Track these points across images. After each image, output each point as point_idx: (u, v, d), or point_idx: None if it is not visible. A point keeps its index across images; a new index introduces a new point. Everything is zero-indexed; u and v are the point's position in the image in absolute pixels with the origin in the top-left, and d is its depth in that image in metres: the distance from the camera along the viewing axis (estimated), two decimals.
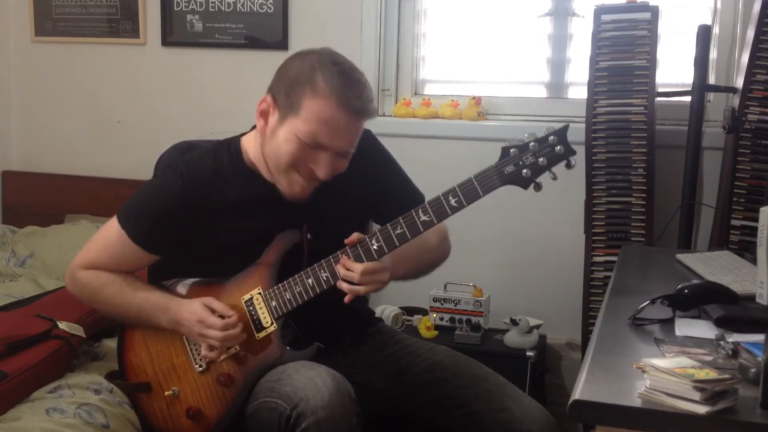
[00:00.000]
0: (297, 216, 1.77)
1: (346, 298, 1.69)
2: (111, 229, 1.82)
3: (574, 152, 1.61)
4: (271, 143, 1.72)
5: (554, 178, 1.62)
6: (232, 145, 1.84)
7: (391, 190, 1.91)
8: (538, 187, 1.61)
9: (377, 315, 2.23)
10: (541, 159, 1.60)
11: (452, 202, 1.63)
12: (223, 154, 1.82)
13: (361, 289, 1.68)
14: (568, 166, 1.61)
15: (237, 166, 1.81)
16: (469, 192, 1.63)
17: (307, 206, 1.77)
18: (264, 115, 1.73)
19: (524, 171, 1.60)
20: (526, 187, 1.61)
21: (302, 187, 1.74)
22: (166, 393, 1.82)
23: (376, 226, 1.76)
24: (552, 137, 1.60)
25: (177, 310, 1.77)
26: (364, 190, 1.87)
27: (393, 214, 1.69)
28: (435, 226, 1.74)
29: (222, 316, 1.73)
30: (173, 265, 1.88)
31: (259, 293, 1.77)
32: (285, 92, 1.69)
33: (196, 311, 1.74)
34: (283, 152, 1.70)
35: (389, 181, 1.92)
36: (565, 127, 1.62)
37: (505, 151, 1.62)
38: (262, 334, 1.76)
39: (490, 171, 1.63)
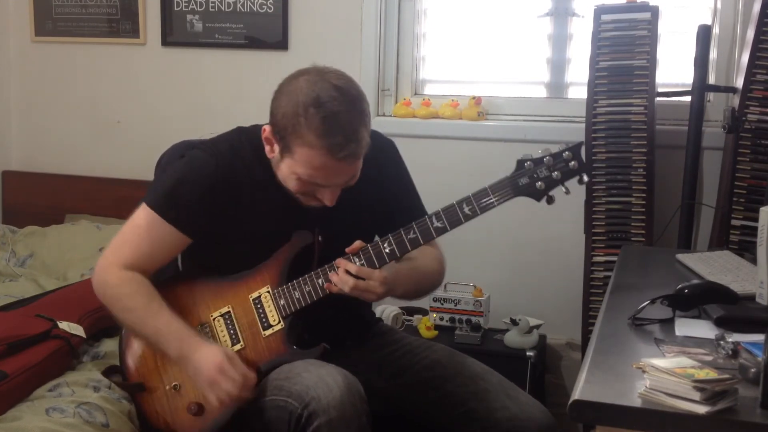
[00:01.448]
0: (311, 217, 1.78)
1: (327, 285, 1.71)
2: (140, 219, 1.77)
3: (587, 168, 1.66)
4: (279, 171, 1.74)
5: (567, 192, 1.67)
6: (253, 136, 1.81)
7: (399, 202, 1.91)
8: (550, 200, 1.66)
9: (377, 315, 2.23)
10: (555, 173, 1.64)
11: (466, 210, 1.67)
12: (245, 142, 1.81)
13: (347, 288, 1.67)
14: (581, 181, 1.66)
15: (259, 157, 1.79)
16: (483, 201, 1.66)
17: (322, 209, 1.76)
18: (267, 142, 1.74)
19: (538, 184, 1.65)
20: (539, 200, 1.66)
21: (314, 203, 1.75)
22: (167, 387, 1.82)
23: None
24: (566, 153, 1.65)
25: (193, 347, 1.72)
26: (376, 200, 1.87)
27: (400, 225, 1.71)
28: (434, 253, 1.84)
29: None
30: (184, 258, 1.90)
31: (268, 291, 1.77)
32: (278, 132, 1.68)
33: (215, 356, 1.68)
34: (289, 184, 1.73)
35: (399, 193, 1.93)
36: (580, 144, 1.67)
37: (519, 163, 1.66)
38: (269, 332, 1.76)
39: (505, 182, 1.66)
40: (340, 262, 1.71)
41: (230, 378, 1.66)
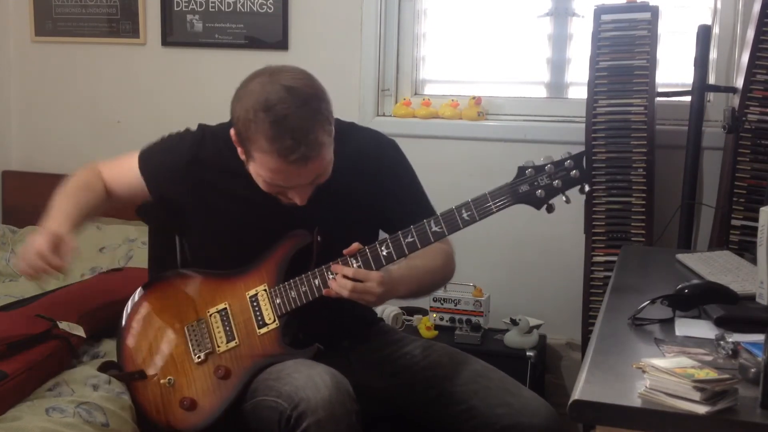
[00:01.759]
0: (308, 216, 1.77)
1: (326, 291, 1.71)
2: (131, 156, 1.95)
3: (589, 178, 1.66)
4: (251, 173, 1.73)
5: (567, 201, 1.66)
6: None
7: (400, 203, 1.89)
8: (550, 209, 1.65)
9: (378, 315, 2.23)
10: (556, 181, 1.64)
11: (465, 215, 1.66)
12: None
13: (345, 292, 1.67)
14: (582, 191, 1.65)
15: None
16: (483, 207, 1.66)
17: (319, 208, 1.76)
18: (237, 145, 1.73)
19: (538, 192, 1.64)
20: (538, 208, 1.65)
21: (294, 203, 1.74)
22: (162, 381, 1.83)
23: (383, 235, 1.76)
24: (568, 161, 1.64)
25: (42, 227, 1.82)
26: (374, 199, 1.86)
27: (401, 226, 1.70)
28: (442, 247, 1.81)
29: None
30: (183, 254, 1.93)
31: (265, 289, 1.78)
32: (238, 136, 1.69)
33: (38, 234, 1.77)
34: (262, 185, 1.72)
35: (399, 193, 1.90)
36: (582, 153, 1.66)
37: (520, 170, 1.66)
38: (264, 331, 1.77)
39: (505, 188, 1.65)
40: (337, 267, 1.70)
41: (26, 251, 1.75)
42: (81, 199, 1.91)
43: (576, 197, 1.67)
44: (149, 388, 1.85)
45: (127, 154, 1.98)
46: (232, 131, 1.72)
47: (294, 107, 1.61)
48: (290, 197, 1.72)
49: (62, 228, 1.79)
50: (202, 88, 3.20)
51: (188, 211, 1.88)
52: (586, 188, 1.65)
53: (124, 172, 1.95)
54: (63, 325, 2.10)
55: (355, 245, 1.71)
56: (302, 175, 1.66)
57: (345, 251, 1.71)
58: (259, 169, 1.67)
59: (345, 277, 1.68)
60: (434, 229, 1.67)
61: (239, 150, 1.73)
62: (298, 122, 1.61)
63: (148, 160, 1.92)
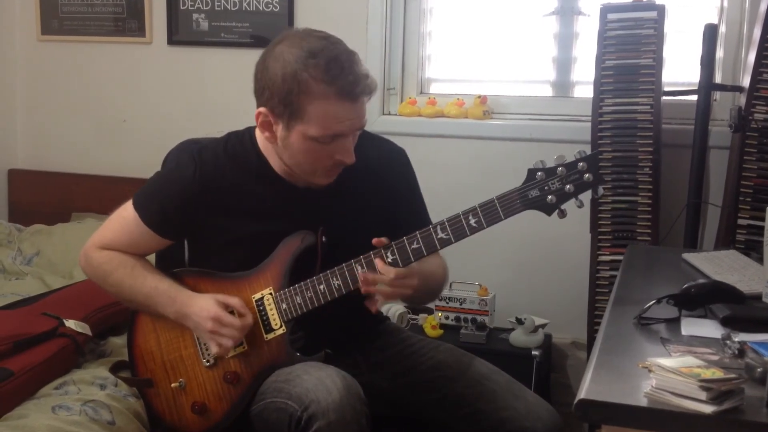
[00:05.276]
0: (313, 217, 1.76)
1: (373, 307, 1.67)
2: (127, 211, 1.84)
3: (603, 181, 1.56)
4: (288, 151, 1.70)
5: (580, 205, 1.58)
6: (246, 137, 1.82)
7: (407, 209, 1.87)
8: (562, 214, 1.57)
9: (384, 314, 2.23)
10: (568, 186, 1.55)
11: (472, 222, 1.61)
12: (236, 145, 1.80)
13: (387, 291, 1.64)
14: (595, 194, 1.57)
15: (252, 159, 1.79)
16: (491, 214, 1.60)
17: (324, 208, 1.75)
18: (266, 126, 1.70)
19: (549, 197, 1.56)
20: (549, 214, 1.58)
21: (333, 176, 1.73)
22: (173, 384, 1.82)
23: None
24: (581, 164, 1.54)
25: (186, 303, 1.76)
26: (381, 206, 1.84)
27: (406, 232, 1.66)
28: (440, 260, 1.79)
29: (232, 312, 1.73)
30: (185, 256, 1.90)
31: (270, 294, 1.76)
32: (281, 102, 1.64)
33: (209, 308, 1.73)
34: (305, 157, 1.68)
35: (407, 200, 1.89)
36: (596, 154, 1.58)
37: (531, 173, 1.57)
38: (271, 336, 1.76)
39: (514, 194, 1.58)
40: (369, 289, 1.64)
41: (230, 324, 1.71)
42: (144, 273, 1.83)
43: (583, 196, 1.60)
44: (161, 390, 1.85)
45: (118, 217, 1.85)
46: (261, 110, 1.68)
47: (338, 49, 1.63)
48: (339, 158, 1.67)
49: (202, 296, 1.77)
50: (208, 87, 3.21)
51: (201, 229, 1.82)
52: (600, 191, 1.56)
53: (135, 236, 1.83)
54: (69, 324, 2.11)
55: (380, 240, 1.66)
56: (358, 115, 1.65)
57: (374, 241, 1.66)
58: (313, 125, 1.62)
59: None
60: (440, 235, 1.62)
61: (267, 134, 1.69)
62: (348, 60, 1.63)
63: (148, 208, 1.81)
